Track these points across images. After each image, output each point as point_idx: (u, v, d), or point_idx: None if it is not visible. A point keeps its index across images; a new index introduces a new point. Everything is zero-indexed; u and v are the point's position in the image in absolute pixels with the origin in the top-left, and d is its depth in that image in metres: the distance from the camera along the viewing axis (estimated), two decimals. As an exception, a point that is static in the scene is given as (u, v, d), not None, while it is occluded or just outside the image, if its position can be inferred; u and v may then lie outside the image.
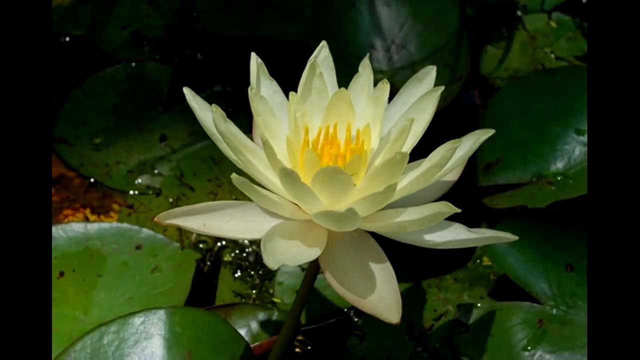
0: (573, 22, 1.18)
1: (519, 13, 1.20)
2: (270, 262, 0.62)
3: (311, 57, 0.72)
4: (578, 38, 1.17)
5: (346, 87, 0.71)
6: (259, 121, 0.69)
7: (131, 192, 1.02)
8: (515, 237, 0.67)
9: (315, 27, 1.11)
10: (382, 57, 1.08)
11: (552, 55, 1.15)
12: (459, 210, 0.64)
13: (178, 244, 0.93)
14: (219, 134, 0.68)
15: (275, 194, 0.68)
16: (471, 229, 0.67)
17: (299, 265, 0.93)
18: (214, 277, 0.94)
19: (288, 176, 0.64)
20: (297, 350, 0.88)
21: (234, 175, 0.64)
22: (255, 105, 0.69)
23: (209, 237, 0.95)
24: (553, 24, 1.18)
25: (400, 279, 0.89)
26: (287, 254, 0.65)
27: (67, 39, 1.19)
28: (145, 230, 0.92)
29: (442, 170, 0.67)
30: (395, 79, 1.06)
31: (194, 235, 0.96)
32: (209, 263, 0.95)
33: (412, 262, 0.91)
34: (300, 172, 0.67)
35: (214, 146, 0.70)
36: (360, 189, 0.66)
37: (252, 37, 1.14)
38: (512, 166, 0.99)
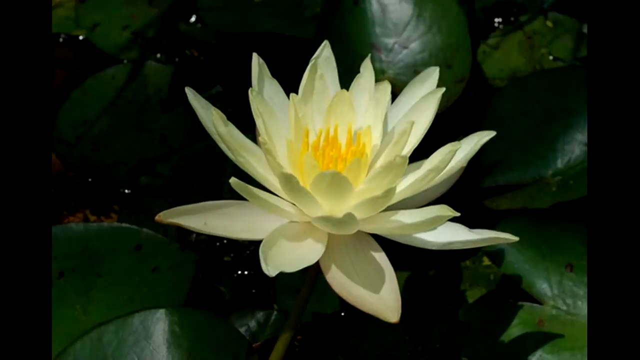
0: (569, 21, 1.18)
1: (514, 10, 1.20)
2: (270, 268, 0.62)
3: (313, 58, 0.72)
4: (574, 38, 1.17)
5: (348, 88, 0.71)
6: (259, 123, 0.68)
7: (131, 192, 1.02)
8: (515, 238, 0.67)
9: (318, 25, 1.10)
10: (384, 58, 1.08)
11: (550, 57, 1.15)
12: (458, 214, 0.63)
13: (178, 244, 0.92)
14: (219, 137, 0.67)
15: (276, 195, 0.68)
16: (472, 230, 0.67)
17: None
18: (214, 277, 0.94)
19: (288, 181, 0.63)
20: (297, 350, 0.88)
21: (232, 180, 0.63)
22: (255, 107, 0.68)
23: (209, 236, 0.95)
24: (549, 23, 1.18)
25: (400, 278, 0.89)
26: (288, 259, 0.64)
27: (67, 39, 1.19)
28: (145, 230, 0.91)
29: (442, 172, 0.67)
30: (398, 79, 1.06)
31: (194, 235, 0.96)
32: (209, 263, 0.95)
33: (412, 262, 0.91)
34: (301, 174, 0.67)
35: (214, 146, 0.70)
36: (359, 192, 0.66)
37: (253, 35, 1.14)
38: (512, 167, 0.99)
